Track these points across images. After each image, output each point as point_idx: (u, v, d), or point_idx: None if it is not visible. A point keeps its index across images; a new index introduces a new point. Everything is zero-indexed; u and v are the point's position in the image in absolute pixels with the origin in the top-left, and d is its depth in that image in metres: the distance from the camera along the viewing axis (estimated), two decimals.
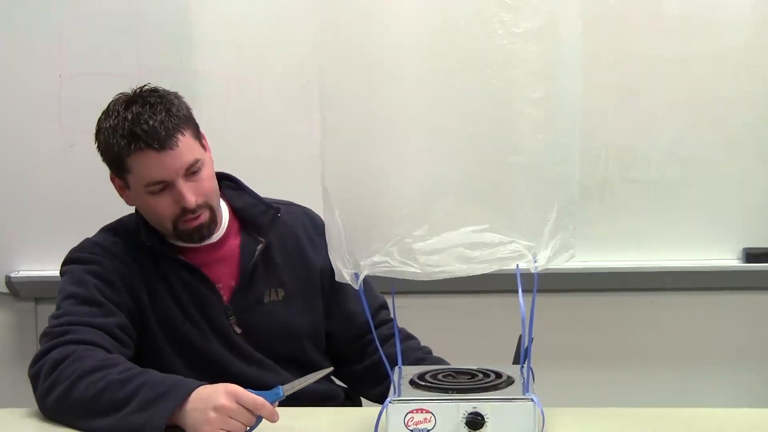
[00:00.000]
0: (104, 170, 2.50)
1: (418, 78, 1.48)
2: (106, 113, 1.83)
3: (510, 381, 1.58)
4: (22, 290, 2.61)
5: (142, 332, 1.84)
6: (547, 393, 1.57)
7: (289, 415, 1.75)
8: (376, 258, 1.50)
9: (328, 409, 1.83)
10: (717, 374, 2.61)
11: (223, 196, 1.94)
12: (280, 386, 1.58)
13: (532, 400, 1.48)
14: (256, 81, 2.35)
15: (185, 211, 1.81)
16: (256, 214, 1.94)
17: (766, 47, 2.48)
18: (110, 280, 1.82)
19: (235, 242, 1.93)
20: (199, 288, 1.88)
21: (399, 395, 1.53)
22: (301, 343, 1.94)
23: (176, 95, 1.85)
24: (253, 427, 1.57)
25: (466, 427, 1.48)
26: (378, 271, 1.51)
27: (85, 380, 1.63)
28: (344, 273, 1.54)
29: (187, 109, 1.85)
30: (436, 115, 1.48)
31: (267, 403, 1.56)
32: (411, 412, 1.49)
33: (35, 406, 1.72)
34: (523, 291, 1.48)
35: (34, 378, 1.70)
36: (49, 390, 1.66)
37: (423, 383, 1.57)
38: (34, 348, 2.61)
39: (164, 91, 1.85)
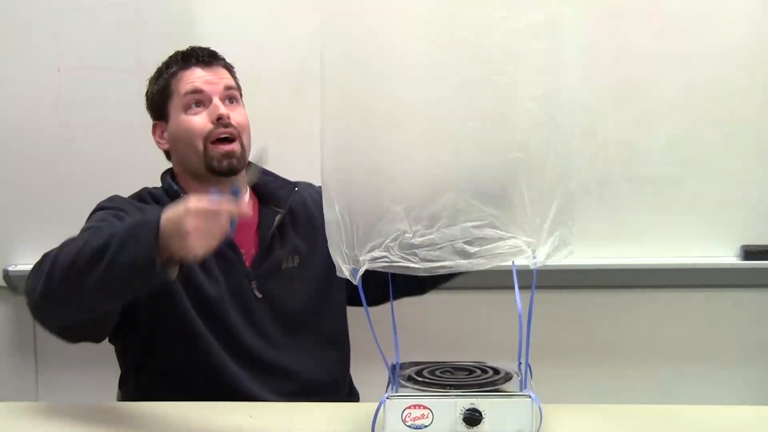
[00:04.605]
0: (103, 165, 2.53)
1: (418, 73, 1.48)
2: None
3: (508, 377, 1.59)
4: (19, 284, 2.60)
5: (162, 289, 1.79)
6: (545, 389, 1.57)
7: (286, 410, 1.75)
8: (376, 253, 1.51)
9: (326, 405, 1.83)
10: (715, 371, 2.61)
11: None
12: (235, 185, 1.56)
13: (530, 397, 1.48)
14: (257, 76, 2.34)
15: (218, 123, 1.89)
16: (274, 188, 2.03)
17: (766, 45, 2.47)
18: None
19: (254, 214, 1.99)
20: (225, 251, 1.89)
21: (396, 391, 1.53)
22: (318, 307, 2.00)
23: None
24: (233, 225, 1.54)
25: (464, 423, 1.48)
26: (377, 266, 1.52)
27: (63, 254, 1.61)
28: (343, 268, 1.55)
29: (235, 78, 2.01)
30: (436, 110, 1.49)
31: (231, 203, 1.52)
32: (408, 407, 1.49)
33: (34, 400, 1.71)
34: (521, 287, 1.48)
35: (29, 292, 1.65)
36: (35, 282, 1.63)
37: (420, 379, 1.58)
38: (32, 342, 2.63)
39: None
